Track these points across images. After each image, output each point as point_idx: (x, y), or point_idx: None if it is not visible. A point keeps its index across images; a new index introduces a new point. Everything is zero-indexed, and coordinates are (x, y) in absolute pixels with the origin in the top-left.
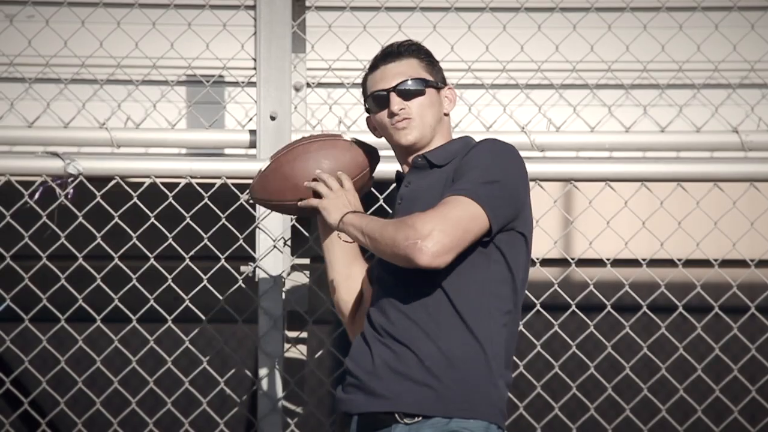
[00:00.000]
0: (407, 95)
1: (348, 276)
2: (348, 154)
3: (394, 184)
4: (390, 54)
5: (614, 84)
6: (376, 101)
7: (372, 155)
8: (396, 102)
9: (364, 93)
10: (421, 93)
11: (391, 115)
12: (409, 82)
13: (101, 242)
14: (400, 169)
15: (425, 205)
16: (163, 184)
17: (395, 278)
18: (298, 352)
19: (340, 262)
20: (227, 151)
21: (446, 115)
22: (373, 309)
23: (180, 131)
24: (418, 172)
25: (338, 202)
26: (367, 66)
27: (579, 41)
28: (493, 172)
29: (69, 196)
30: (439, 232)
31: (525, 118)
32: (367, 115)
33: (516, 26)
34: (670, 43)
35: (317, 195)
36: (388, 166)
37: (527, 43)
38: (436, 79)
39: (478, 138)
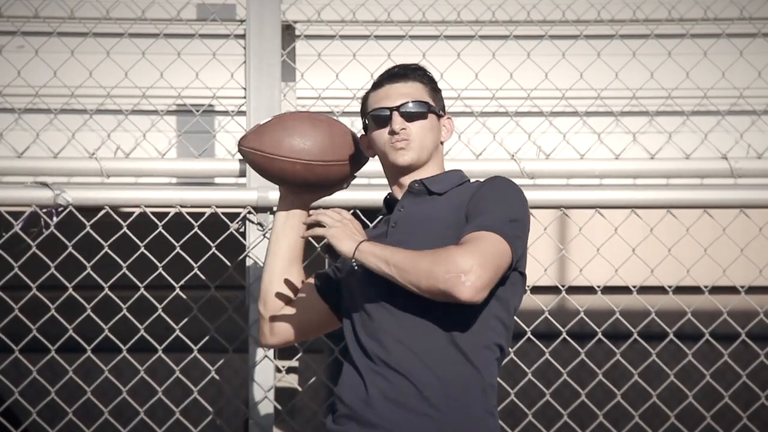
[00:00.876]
0: (409, 117)
1: (287, 272)
2: (348, 138)
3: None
4: (396, 75)
5: (604, 111)
6: (376, 119)
7: (362, 155)
8: (398, 121)
9: (364, 110)
10: (423, 116)
11: (392, 133)
12: (413, 104)
13: (91, 272)
14: (390, 194)
15: (430, 234)
16: (153, 213)
17: (392, 304)
18: (290, 381)
19: (285, 256)
20: (217, 179)
21: (441, 143)
22: (363, 335)
23: (170, 160)
24: (413, 197)
25: (346, 229)
26: (370, 84)
27: (568, 69)
28: (514, 211)
29: (53, 225)
30: (479, 267)
31: (515, 145)
32: (362, 133)
33: (505, 54)
34: (660, 70)
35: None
36: (372, 194)
37: (517, 71)
38: (437, 106)
39: (466, 166)
